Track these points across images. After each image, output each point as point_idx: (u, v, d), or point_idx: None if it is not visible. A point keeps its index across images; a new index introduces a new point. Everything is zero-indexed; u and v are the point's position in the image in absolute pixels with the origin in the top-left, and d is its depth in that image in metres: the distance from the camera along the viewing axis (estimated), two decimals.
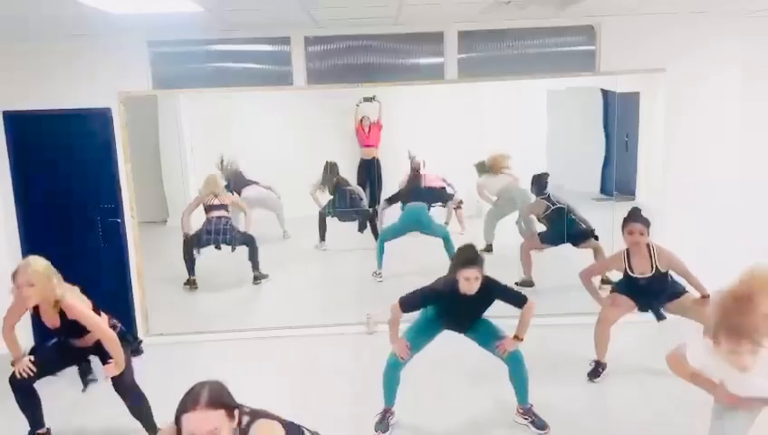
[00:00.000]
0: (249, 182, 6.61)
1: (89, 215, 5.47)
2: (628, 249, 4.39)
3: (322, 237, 6.67)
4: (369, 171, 6.66)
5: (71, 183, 5.42)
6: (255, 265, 6.18)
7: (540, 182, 6.09)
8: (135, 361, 3.91)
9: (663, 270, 4.29)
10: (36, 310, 3.75)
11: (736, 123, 5.49)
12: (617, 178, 6.07)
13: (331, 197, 6.61)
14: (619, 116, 6.04)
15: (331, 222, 6.62)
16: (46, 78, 5.24)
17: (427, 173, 6.56)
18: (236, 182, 6.50)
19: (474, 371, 4.60)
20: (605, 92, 6.35)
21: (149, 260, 5.64)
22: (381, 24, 5.28)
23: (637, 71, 5.43)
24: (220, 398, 2.11)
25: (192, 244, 6.05)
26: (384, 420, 3.96)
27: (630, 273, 4.37)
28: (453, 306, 3.80)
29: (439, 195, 6.58)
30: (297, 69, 5.40)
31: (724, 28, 5.33)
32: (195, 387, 2.14)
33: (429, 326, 3.98)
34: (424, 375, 4.36)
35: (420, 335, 3.96)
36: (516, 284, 5.77)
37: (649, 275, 4.31)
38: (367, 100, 6.34)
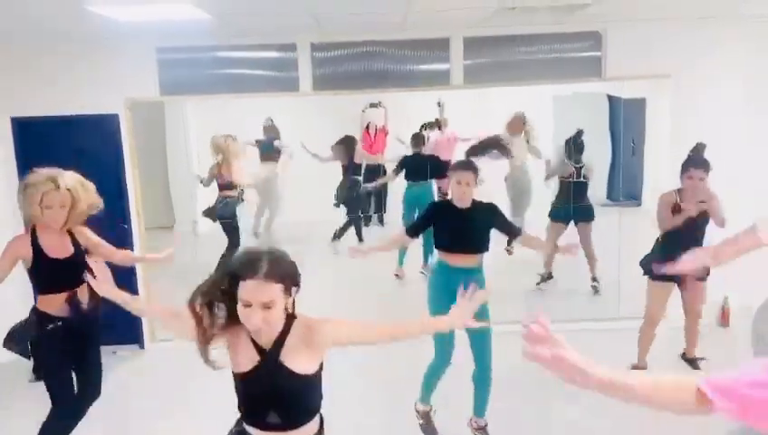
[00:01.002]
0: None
1: (96, 220, 5.49)
2: (680, 189, 4.30)
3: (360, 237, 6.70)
4: (375, 177, 6.68)
5: None
6: None
7: (577, 145, 5.91)
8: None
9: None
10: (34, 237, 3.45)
11: (743, 129, 5.47)
12: (623, 184, 6.06)
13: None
14: (625, 122, 6.03)
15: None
16: (54, 84, 5.27)
17: (439, 139, 6.49)
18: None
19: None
20: (611, 98, 6.35)
21: (156, 266, 5.66)
22: (387, 31, 5.30)
23: (643, 77, 5.43)
24: (279, 270, 2.01)
25: None
26: (430, 424, 3.88)
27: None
28: (453, 221, 3.64)
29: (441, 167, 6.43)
30: (303, 75, 5.41)
31: (731, 33, 5.33)
32: (254, 253, 2.02)
33: (442, 286, 3.63)
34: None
35: (440, 295, 3.61)
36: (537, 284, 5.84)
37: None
38: (373, 106, 6.38)
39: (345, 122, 6.58)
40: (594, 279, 5.98)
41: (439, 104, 6.30)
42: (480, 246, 3.68)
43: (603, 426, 3.99)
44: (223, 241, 6.16)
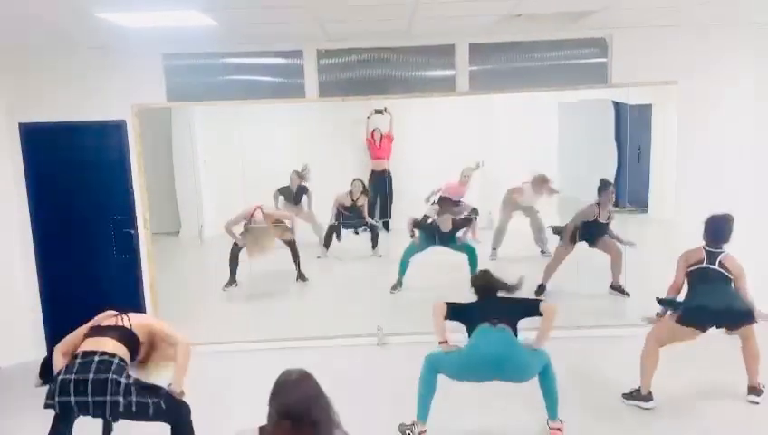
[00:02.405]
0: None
1: (103, 226, 5.52)
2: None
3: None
4: (380, 183, 6.68)
5: (85, 194, 5.47)
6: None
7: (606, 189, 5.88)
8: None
9: None
10: None
11: (750, 135, 5.45)
12: (629, 191, 6.04)
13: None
14: (631, 128, 6.02)
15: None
16: (62, 90, 5.31)
17: (447, 184, 6.54)
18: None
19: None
20: (617, 105, 6.34)
21: (162, 271, 5.68)
22: (393, 37, 5.31)
23: (649, 83, 5.43)
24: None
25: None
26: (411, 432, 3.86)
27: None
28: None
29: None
30: (309, 81, 5.44)
31: (737, 40, 5.32)
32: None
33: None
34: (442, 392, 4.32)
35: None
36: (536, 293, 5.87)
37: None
38: (378, 112, 6.38)
39: (350, 128, 6.59)
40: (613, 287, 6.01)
41: (478, 166, 6.44)
42: None
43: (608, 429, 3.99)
44: (228, 248, 6.17)
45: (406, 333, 5.50)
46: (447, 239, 6.12)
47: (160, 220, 5.96)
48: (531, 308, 3.85)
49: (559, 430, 3.83)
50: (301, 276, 6.40)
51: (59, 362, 3.30)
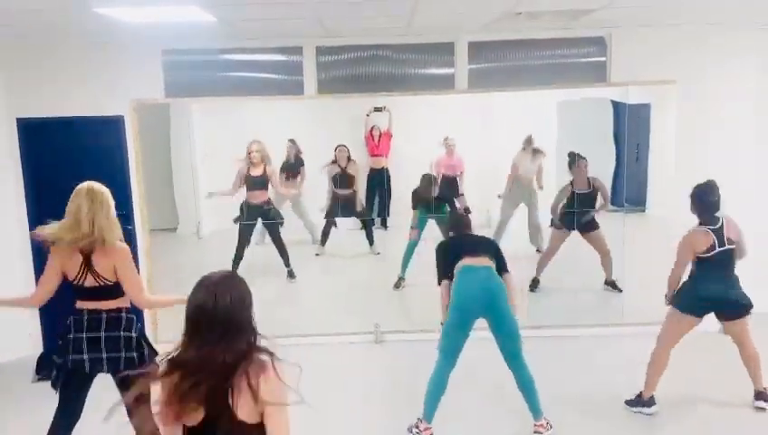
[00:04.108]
0: None
1: None
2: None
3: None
4: (379, 180, 6.67)
5: None
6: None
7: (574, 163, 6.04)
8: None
9: None
10: None
11: (749, 135, 5.46)
12: (627, 190, 6.05)
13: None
14: (629, 127, 6.02)
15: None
16: (60, 85, 5.29)
17: (437, 162, 6.57)
18: None
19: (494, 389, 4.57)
20: (616, 103, 6.34)
21: (159, 267, 5.67)
22: (392, 35, 5.31)
23: (647, 82, 5.43)
24: None
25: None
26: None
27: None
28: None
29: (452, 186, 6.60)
30: (308, 78, 5.43)
31: (736, 40, 5.32)
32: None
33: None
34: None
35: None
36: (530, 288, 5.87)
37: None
38: (377, 109, 6.37)
39: (349, 125, 6.59)
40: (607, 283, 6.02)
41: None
42: None
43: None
44: (226, 244, 6.17)
45: (403, 331, 5.50)
46: (441, 205, 6.19)
47: (158, 216, 5.95)
48: (499, 263, 4.05)
49: (542, 426, 3.84)
50: (290, 274, 6.37)
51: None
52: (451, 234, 4.33)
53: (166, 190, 6.50)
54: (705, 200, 4.04)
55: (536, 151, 6.32)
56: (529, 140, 6.30)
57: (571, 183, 6.02)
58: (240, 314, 2.01)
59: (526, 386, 3.84)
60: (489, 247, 4.10)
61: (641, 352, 4.24)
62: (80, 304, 3.29)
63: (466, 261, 3.94)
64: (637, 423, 4.09)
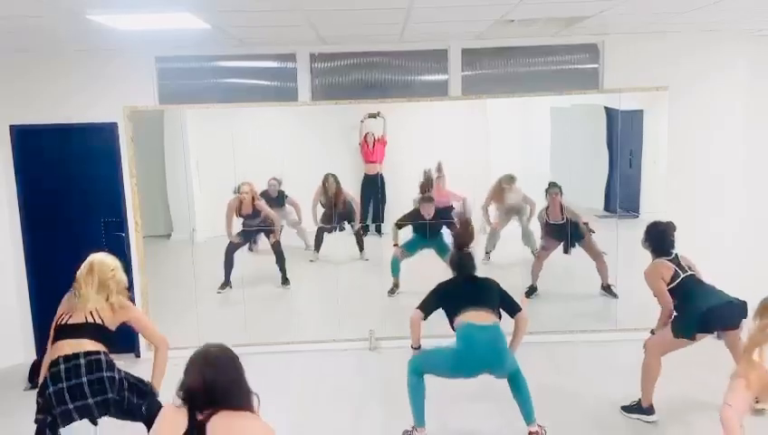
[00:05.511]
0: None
1: (94, 229, 5.49)
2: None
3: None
4: (373, 187, 6.67)
5: (76, 197, 5.45)
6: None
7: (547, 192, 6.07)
8: (134, 374, 3.80)
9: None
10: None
11: (740, 141, 5.50)
12: (621, 196, 6.07)
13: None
14: (622, 133, 6.05)
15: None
16: (53, 92, 5.29)
17: (439, 189, 6.55)
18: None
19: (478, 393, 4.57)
20: (608, 110, 6.36)
21: (153, 274, 5.65)
22: (386, 42, 5.33)
23: (640, 88, 5.46)
24: None
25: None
26: None
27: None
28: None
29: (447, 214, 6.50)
30: (302, 85, 5.44)
31: (728, 47, 5.37)
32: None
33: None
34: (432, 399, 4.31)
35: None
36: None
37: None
38: (371, 116, 6.37)
39: (343, 132, 6.59)
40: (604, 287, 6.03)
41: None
42: None
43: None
44: (221, 251, 6.16)
45: (398, 338, 5.49)
46: (436, 239, 6.12)
47: (152, 223, 5.94)
48: (509, 306, 3.94)
49: (536, 432, 3.82)
50: (285, 281, 6.38)
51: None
52: (453, 274, 4.08)
53: (160, 197, 6.48)
54: (663, 238, 4.13)
55: (512, 178, 6.31)
56: (511, 178, 6.29)
57: (546, 213, 6.01)
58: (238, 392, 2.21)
59: (520, 392, 3.83)
60: (492, 298, 3.90)
61: (636, 357, 4.24)
62: (54, 352, 3.17)
63: (471, 316, 3.76)
64: (633, 430, 4.09)
